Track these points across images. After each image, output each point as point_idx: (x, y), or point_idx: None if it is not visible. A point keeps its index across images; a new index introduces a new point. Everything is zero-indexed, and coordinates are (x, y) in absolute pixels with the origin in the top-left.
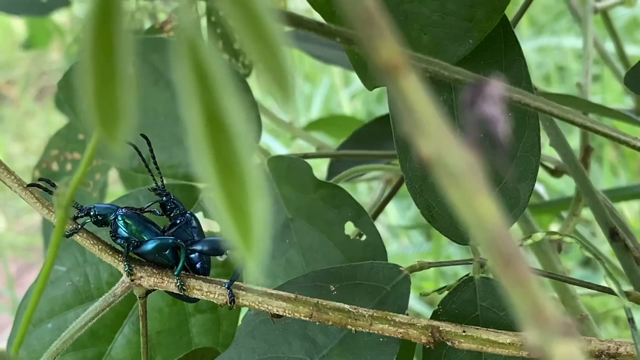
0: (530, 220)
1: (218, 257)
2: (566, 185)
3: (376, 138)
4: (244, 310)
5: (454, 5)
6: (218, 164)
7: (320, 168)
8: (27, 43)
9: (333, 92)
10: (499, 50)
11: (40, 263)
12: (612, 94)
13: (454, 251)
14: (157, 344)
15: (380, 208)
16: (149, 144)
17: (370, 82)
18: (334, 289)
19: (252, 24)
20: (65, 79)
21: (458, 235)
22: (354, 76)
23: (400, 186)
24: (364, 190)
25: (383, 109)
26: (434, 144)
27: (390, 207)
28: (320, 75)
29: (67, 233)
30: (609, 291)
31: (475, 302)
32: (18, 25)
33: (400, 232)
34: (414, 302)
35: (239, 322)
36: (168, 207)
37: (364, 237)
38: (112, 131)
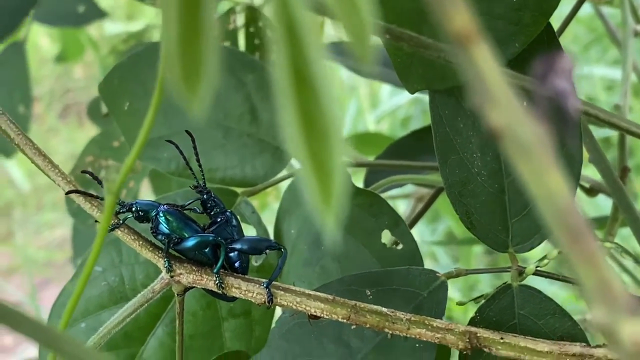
0: None
1: (253, 262)
2: (594, 208)
3: (412, 151)
4: (276, 318)
5: (501, 9)
6: (304, 121)
7: (355, 181)
8: (59, 56)
9: (360, 115)
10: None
11: (59, 279)
12: None
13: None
14: (189, 348)
15: (411, 223)
16: (192, 140)
17: (412, 85)
18: (369, 293)
19: None
20: (106, 81)
21: (497, 242)
22: (381, 99)
23: (434, 201)
24: (395, 208)
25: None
26: (504, 116)
27: (417, 229)
28: (348, 98)
29: (109, 228)
30: None
31: (513, 309)
32: (45, 42)
33: (425, 253)
34: None
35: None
36: (209, 205)
37: (400, 247)
38: (193, 88)
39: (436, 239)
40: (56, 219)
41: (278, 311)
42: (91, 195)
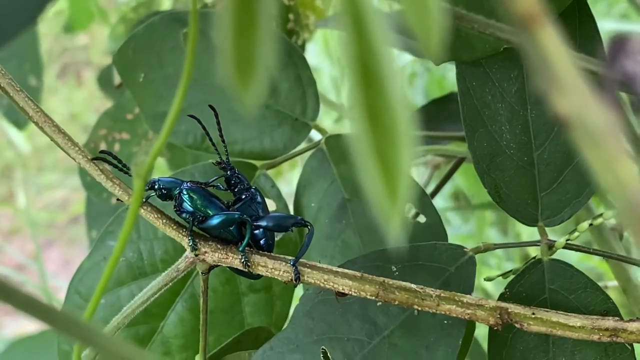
0: (591, 208)
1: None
2: None
3: (432, 120)
4: (296, 294)
5: None
6: (370, 110)
7: None
8: (68, 25)
9: None
10: (574, 26)
11: (61, 240)
12: None
13: (494, 235)
14: (210, 323)
15: (431, 195)
16: (216, 115)
17: (437, 56)
18: (395, 269)
19: None
20: (121, 52)
21: (527, 216)
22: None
23: (454, 172)
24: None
25: (420, 97)
26: (572, 102)
27: None
28: None
29: (129, 206)
30: None
31: (543, 284)
32: None
33: None
34: None
35: (292, 303)
36: (232, 181)
37: (422, 219)
38: (246, 79)
39: (444, 198)
40: (57, 180)
41: (299, 286)
42: (117, 166)
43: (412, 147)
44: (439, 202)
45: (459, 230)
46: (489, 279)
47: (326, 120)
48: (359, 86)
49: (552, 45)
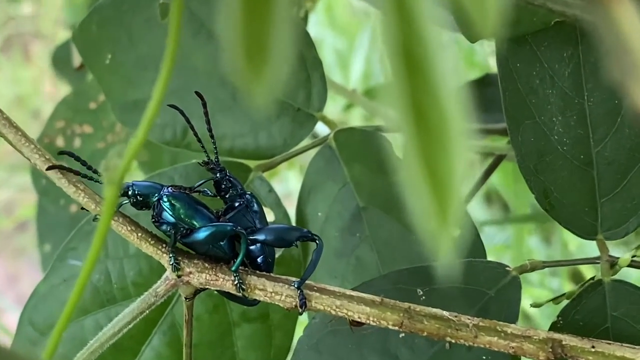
0: None
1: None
2: None
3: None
4: (299, 323)
5: None
6: (415, 105)
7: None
8: None
9: (375, 43)
10: None
11: (5, 250)
12: None
13: (535, 244)
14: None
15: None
16: (204, 105)
17: (473, 32)
18: (421, 293)
19: None
20: (83, 27)
21: (583, 227)
22: None
23: (491, 173)
24: None
25: None
26: None
27: None
28: (357, 29)
29: (97, 216)
30: None
31: (605, 311)
32: None
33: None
34: None
35: (295, 334)
36: (223, 186)
37: (456, 232)
38: (258, 66)
39: (475, 200)
40: (0, 179)
41: (303, 315)
42: (77, 173)
43: (466, 150)
44: (472, 206)
45: (493, 239)
46: (536, 305)
47: (331, 107)
48: (401, 76)
49: (631, 26)
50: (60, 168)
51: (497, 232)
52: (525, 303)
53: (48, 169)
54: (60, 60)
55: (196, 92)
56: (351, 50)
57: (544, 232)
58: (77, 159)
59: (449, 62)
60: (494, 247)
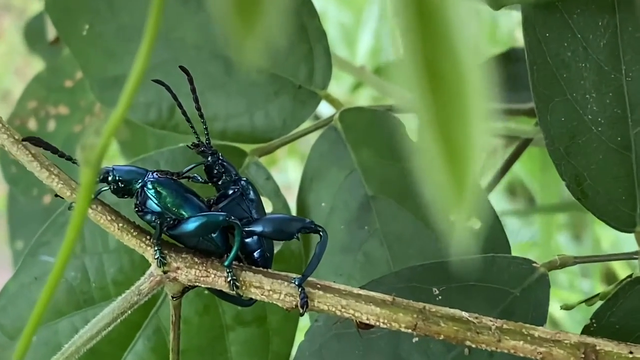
0: None
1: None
2: None
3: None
4: (300, 326)
5: None
6: (433, 84)
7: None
8: None
9: (385, 17)
10: None
11: None
12: None
13: (564, 241)
14: None
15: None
16: (190, 80)
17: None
18: (437, 292)
19: None
20: None
21: (620, 218)
22: None
23: (516, 160)
24: None
25: None
26: None
27: None
28: (364, 1)
29: (72, 204)
30: None
31: None
32: None
33: None
34: None
35: (296, 339)
36: (215, 171)
37: (476, 224)
38: (247, 29)
39: (497, 191)
40: None
41: (304, 316)
42: (55, 150)
43: (488, 132)
44: (493, 198)
45: (518, 236)
46: (566, 308)
47: (335, 88)
48: (416, 49)
49: None
50: (36, 141)
51: (522, 227)
52: (553, 308)
53: (24, 139)
54: (32, 33)
55: (180, 67)
56: (358, 24)
57: (574, 228)
58: (46, 146)
59: (470, 30)
60: (519, 244)
